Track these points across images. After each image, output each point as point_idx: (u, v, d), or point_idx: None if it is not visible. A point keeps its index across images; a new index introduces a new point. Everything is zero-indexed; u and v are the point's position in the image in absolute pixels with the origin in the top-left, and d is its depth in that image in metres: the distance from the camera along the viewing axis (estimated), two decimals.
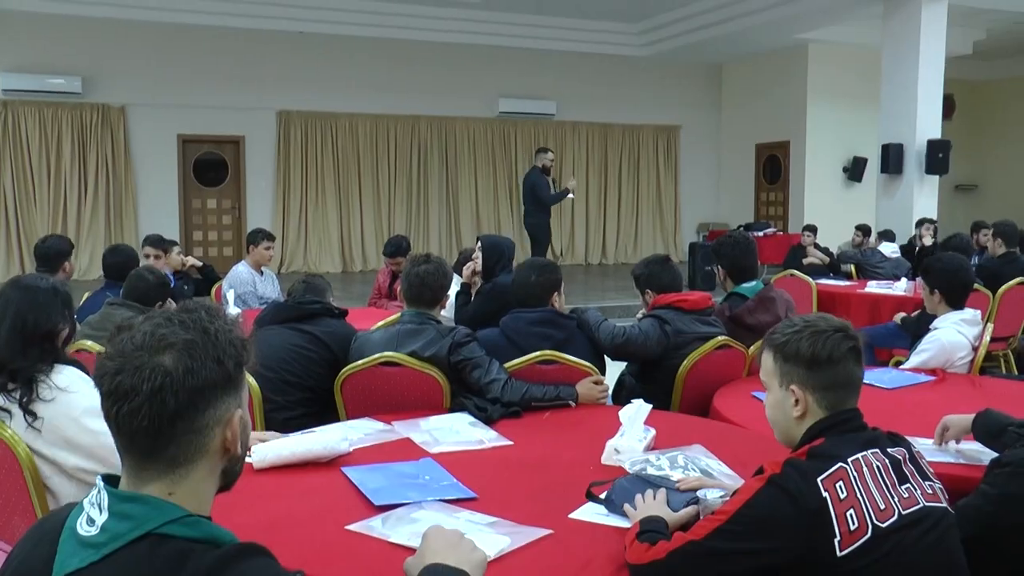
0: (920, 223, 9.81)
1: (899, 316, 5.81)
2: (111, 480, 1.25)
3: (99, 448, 2.32)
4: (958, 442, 2.57)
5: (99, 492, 1.22)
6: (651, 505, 1.94)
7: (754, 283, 4.13)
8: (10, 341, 2.40)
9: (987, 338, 4.15)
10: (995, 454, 2.31)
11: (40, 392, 2.35)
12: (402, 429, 2.86)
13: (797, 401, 1.88)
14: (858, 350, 1.88)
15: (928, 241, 9.40)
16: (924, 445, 2.53)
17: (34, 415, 2.34)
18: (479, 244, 4.88)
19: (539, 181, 10.27)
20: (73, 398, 2.36)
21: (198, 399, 1.21)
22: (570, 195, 10.69)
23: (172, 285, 5.84)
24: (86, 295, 5.31)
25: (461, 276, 4.76)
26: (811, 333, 1.87)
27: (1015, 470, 1.99)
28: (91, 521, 1.20)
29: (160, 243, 6.02)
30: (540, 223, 10.36)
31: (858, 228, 10.63)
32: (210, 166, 13.85)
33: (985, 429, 2.45)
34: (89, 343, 3.41)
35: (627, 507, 1.98)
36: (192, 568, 1.13)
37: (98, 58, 12.70)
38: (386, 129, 14.52)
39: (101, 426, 2.28)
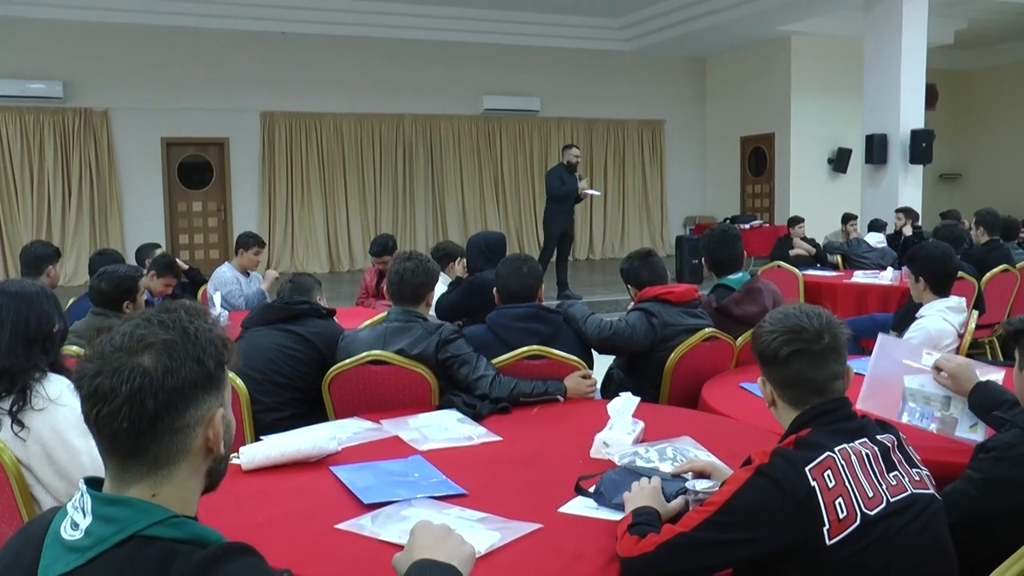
0: (897, 212, 9.93)
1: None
2: (94, 483, 1.24)
3: (74, 467, 2.30)
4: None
5: (82, 496, 1.21)
6: (647, 492, 1.94)
7: (740, 274, 4.14)
8: (13, 346, 2.38)
9: (972, 325, 4.17)
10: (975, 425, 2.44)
11: (32, 401, 2.34)
12: (391, 427, 2.86)
13: (769, 390, 1.95)
14: (813, 352, 1.85)
15: (908, 231, 9.49)
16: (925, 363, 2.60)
17: (22, 424, 2.32)
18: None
19: (551, 173, 10.31)
20: (61, 412, 2.34)
21: (178, 399, 1.20)
22: (592, 191, 10.64)
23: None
24: (72, 300, 5.28)
25: (443, 269, 4.77)
26: (767, 331, 1.90)
27: (1000, 455, 2.00)
28: (75, 525, 1.19)
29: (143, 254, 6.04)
30: (548, 216, 10.40)
31: (846, 219, 10.68)
32: (195, 169, 13.80)
33: (979, 401, 2.49)
34: (75, 348, 3.39)
35: (625, 495, 1.98)
36: (179, 569, 1.12)
37: (79, 62, 12.62)
38: (370, 128, 14.49)
39: (81, 443, 2.28)
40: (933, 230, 7.70)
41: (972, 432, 2.53)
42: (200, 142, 13.70)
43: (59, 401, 2.36)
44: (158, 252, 6.46)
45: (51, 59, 12.46)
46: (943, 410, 2.59)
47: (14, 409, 2.32)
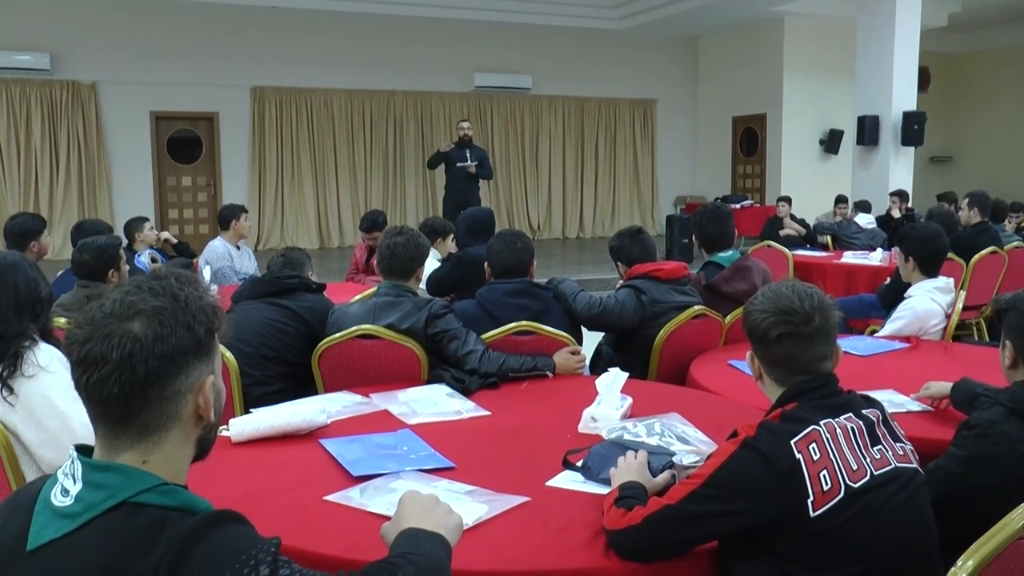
0: (891, 195, 10.00)
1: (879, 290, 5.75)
2: (85, 450, 1.24)
3: (64, 433, 2.30)
4: (936, 406, 2.69)
5: (73, 462, 1.22)
6: (632, 466, 1.96)
7: (730, 252, 4.15)
8: (4, 312, 2.38)
9: (960, 306, 4.20)
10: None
11: (23, 368, 2.34)
12: (380, 401, 2.86)
13: (756, 365, 1.97)
14: (802, 334, 1.85)
15: (896, 213, 9.55)
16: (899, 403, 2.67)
17: (11, 389, 2.32)
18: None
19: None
20: (50, 378, 2.34)
21: (168, 366, 1.20)
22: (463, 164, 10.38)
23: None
24: (60, 273, 5.24)
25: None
26: (759, 310, 1.91)
27: (983, 432, 2.02)
28: (65, 491, 1.19)
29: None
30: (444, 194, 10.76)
31: (838, 201, 10.69)
32: (184, 143, 13.72)
33: (961, 396, 2.54)
34: (63, 320, 3.37)
35: (612, 471, 1.99)
36: (168, 536, 1.13)
37: (66, 34, 12.49)
38: (361, 104, 14.42)
39: (72, 409, 2.28)
40: (927, 213, 7.73)
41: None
42: (189, 116, 13.60)
43: (49, 368, 2.35)
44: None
45: (38, 31, 12.32)
46: None
47: (4, 375, 2.32)
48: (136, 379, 1.18)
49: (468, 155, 10.19)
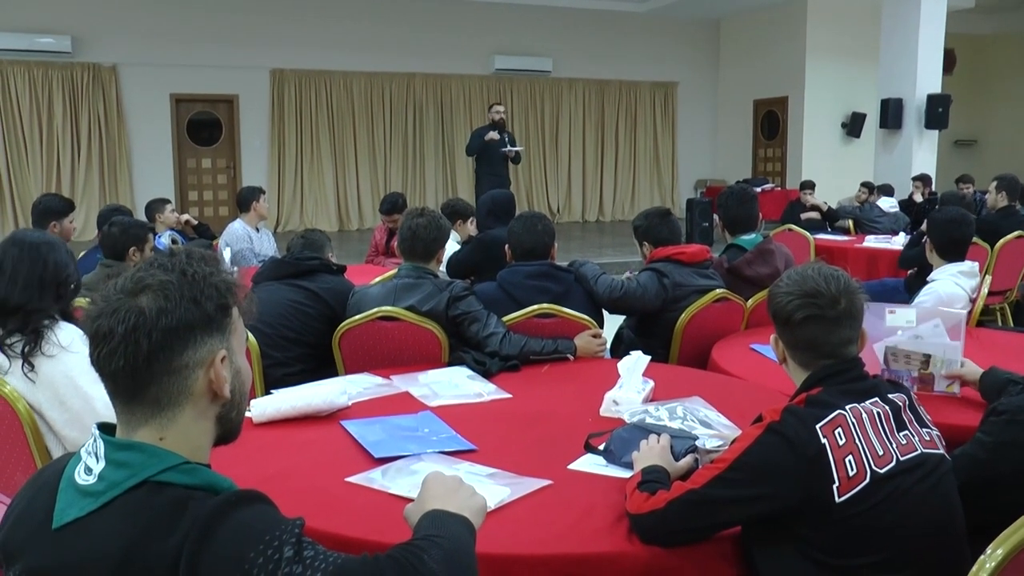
0: (914, 180, 9.91)
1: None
2: (107, 428, 1.24)
3: (87, 413, 2.32)
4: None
5: (95, 440, 1.22)
6: (655, 450, 1.94)
7: (753, 235, 4.11)
8: (28, 285, 2.41)
9: (985, 290, 4.14)
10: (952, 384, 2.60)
11: (44, 347, 2.35)
12: (401, 383, 2.86)
13: (781, 348, 1.95)
14: (827, 317, 1.83)
15: (918, 197, 9.47)
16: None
17: (32, 366, 2.34)
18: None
19: (474, 134, 10.29)
20: (73, 358, 2.36)
21: (173, 339, 1.20)
22: (509, 149, 10.13)
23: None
24: (82, 254, 5.28)
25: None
26: (783, 292, 1.89)
27: (1011, 418, 1.99)
28: (89, 470, 1.20)
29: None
30: (476, 181, 10.32)
31: (863, 185, 10.59)
32: (204, 126, 13.74)
33: (990, 385, 2.49)
34: (84, 300, 3.40)
35: (635, 454, 1.98)
36: (191, 515, 1.13)
37: (87, 17, 12.52)
38: (381, 87, 14.39)
39: (94, 390, 2.29)
40: (941, 198, 7.65)
41: (949, 390, 2.64)
42: (209, 99, 13.62)
43: (70, 348, 2.37)
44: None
45: (60, 13, 12.36)
46: (922, 370, 2.64)
47: (25, 350, 2.34)
48: (140, 352, 1.18)
49: (507, 139, 10.11)
